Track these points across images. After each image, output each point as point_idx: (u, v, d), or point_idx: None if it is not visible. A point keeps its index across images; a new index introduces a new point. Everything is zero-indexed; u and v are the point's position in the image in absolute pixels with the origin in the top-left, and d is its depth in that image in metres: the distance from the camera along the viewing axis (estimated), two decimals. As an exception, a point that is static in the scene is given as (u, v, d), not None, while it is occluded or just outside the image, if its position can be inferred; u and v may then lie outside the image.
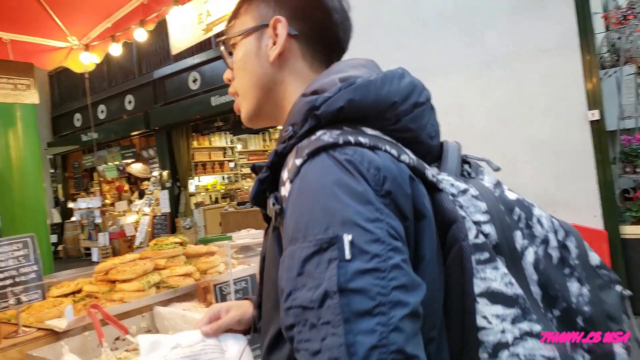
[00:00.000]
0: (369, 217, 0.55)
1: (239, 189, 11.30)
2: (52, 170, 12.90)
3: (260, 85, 0.79)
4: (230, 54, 0.83)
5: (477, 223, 0.64)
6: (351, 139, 0.61)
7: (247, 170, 12.03)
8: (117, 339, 1.74)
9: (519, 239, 0.66)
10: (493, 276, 0.61)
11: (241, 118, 0.84)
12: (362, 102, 0.65)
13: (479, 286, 0.60)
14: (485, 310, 0.59)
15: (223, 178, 12.03)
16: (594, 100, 3.66)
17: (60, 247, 11.23)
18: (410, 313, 0.52)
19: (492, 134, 3.86)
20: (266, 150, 12.44)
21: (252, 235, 2.75)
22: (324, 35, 0.80)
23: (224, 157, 11.99)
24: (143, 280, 1.97)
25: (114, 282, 1.99)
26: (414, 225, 0.60)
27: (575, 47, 3.68)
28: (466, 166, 0.75)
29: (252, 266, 2.38)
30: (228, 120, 10.19)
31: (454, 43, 4.09)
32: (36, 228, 5.71)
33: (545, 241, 0.68)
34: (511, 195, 0.71)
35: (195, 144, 11.06)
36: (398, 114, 0.66)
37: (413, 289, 0.54)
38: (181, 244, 2.31)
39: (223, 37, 0.84)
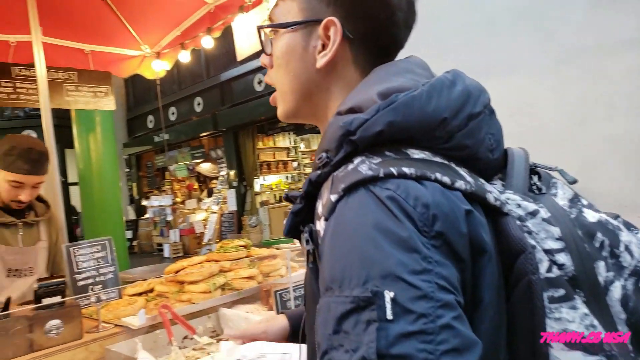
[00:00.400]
0: (414, 269, 0.47)
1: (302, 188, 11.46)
2: (127, 170, 13.71)
3: (301, 91, 0.72)
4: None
5: (548, 252, 0.54)
6: (393, 170, 0.53)
7: (310, 170, 12.15)
8: (185, 337, 1.82)
9: (602, 271, 0.55)
10: (570, 317, 0.52)
11: (277, 113, 0.77)
12: (405, 122, 0.56)
13: (553, 328, 0.51)
14: (562, 356, 0.51)
15: (287, 177, 12.24)
16: None
17: (134, 243, 11.90)
18: None
19: (568, 134, 3.64)
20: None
21: (314, 238, 2.77)
22: (383, 38, 0.69)
23: (288, 156, 12.19)
24: (209, 282, 2.04)
25: (182, 283, 2.08)
26: (472, 264, 0.52)
27: None
28: (535, 178, 0.64)
29: (314, 270, 2.40)
30: (291, 121, 10.34)
31: (525, 40, 3.89)
32: (113, 225, 6.14)
33: (636, 273, 0.57)
34: (591, 217, 0.59)
35: (260, 144, 11.32)
36: (450, 130, 0.58)
37: (467, 351, 0.46)
38: (245, 246, 2.38)
39: (266, 24, 0.74)
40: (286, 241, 2.73)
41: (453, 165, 0.58)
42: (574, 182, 0.65)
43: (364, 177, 0.53)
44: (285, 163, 12.07)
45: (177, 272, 2.13)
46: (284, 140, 12.07)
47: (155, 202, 11.40)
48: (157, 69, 4.05)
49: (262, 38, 0.74)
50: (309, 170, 12.16)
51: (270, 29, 0.73)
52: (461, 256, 0.51)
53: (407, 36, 0.72)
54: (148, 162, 13.68)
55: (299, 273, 2.33)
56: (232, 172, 10.74)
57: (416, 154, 0.57)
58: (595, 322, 0.52)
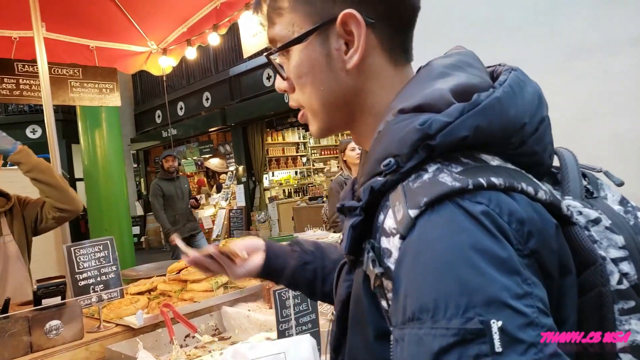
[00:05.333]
0: (517, 293, 0.42)
1: (311, 183, 11.46)
2: (135, 165, 13.75)
3: (335, 102, 0.64)
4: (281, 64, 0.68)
5: (614, 261, 0.51)
6: (482, 181, 0.47)
7: (319, 165, 12.15)
8: (187, 336, 1.82)
9: None
10: (639, 328, 0.49)
11: (311, 132, 0.70)
12: (490, 128, 0.51)
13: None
14: None
15: (296, 173, 12.24)
16: None
17: (142, 239, 11.96)
18: None
19: (574, 131, 3.60)
20: (338, 145, 12.46)
21: (317, 236, 2.75)
22: (402, 7, 0.62)
23: (297, 152, 12.19)
24: (212, 281, 2.04)
25: (185, 281, 2.08)
26: (559, 281, 0.49)
27: None
28: (584, 181, 0.60)
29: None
30: (300, 116, 10.33)
31: (532, 36, 3.85)
32: (119, 221, 6.17)
33: None
34: None
35: (269, 139, 11.33)
36: (524, 135, 0.54)
37: None
38: (248, 245, 2.37)
39: (270, 51, 0.67)
40: (290, 238, 2.72)
41: (524, 173, 0.53)
42: (621, 184, 0.62)
43: (450, 189, 0.47)
44: (294, 158, 12.07)
45: (179, 270, 2.13)
46: (293, 136, 12.06)
47: (163, 197, 11.46)
48: (163, 65, 4.05)
49: (275, 67, 0.68)
50: (318, 165, 12.15)
51: (277, 52, 0.65)
52: (551, 273, 0.48)
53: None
54: (156, 157, 13.68)
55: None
56: (240, 168, 10.76)
57: (491, 160, 0.52)
58: None
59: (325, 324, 1.58)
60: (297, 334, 1.42)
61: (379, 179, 0.54)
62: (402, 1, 0.62)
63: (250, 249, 0.95)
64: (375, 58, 0.63)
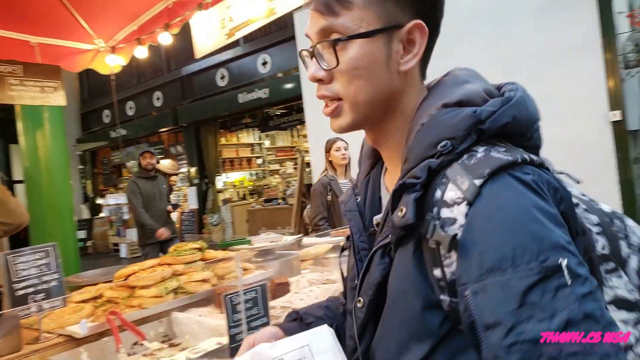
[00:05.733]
0: (568, 240, 0.55)
1: (266, 185, 11.37)
2: (82, 167, 13.21)
3: (382, 99, 0.71)
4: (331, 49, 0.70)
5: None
6: (526, 156, 0.60)
7: (275, 167, 12.09)
8: (135, 343, 1.77)
9: (624, 248, 0.68)
10: (618, 284, 0.63)
11: (336, 125, 0.74)
12: (520, 119, 0.64)
13: (608, 294, 0.62)
14: (614, 316, 0.58)
15: (251, 174, 12.12)
16: (616, 100, 3.70)
17: (89, 243, 11.51)
18: (618, 331, 0.52)
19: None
20: (294, 146, 12.43)
21: (271, 239, 2.74)
22: (440, 20, 0.73)
23: (252, 153, 12.08)
24: (161, 286, 1.99)
25: (133, 288, 2.01)
26: (574, 240, 0.60)
27: (598, 47, 3.69)
28: None
29: (269, 271, 2.38)
30: (256, 117, 10.26)
31: (479, 43, 4.00)
32: (63, 225, 5.89)
33: None
34: (606, 208, 0.72)
35: (223, 140, 11.18)
36: (534, 130, 0.68)
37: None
38: (200, 249, 2.33)
39: (336, 36, 0.69)
40: (243, 242, 2.70)
41: None
42: (579, 182, 0.73)
43: (506, 162, 0.58)
44: (249, 160, 11.95)
45: (127, 276, 2.06)
46: (247, 137, 11.94)
47: (111, 200, 11.03)
48: (111, 64, 3.93)
49: (319, 50, 0.71)
50: (274, 167, 12.08)
51: (336, 37, 0.68)
52: (574, 235, 0.60)
53: None
54: (104, 158, 13.23)
55: (254, 275, 2.31)
56: (193, 169, 10.55)
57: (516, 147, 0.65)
58: (633, 287, 0.64)
59: (278, 328, 1.58)
60: (248, 338, 1.42)
61: (433, 160, 0.62)
62: (441, 19, 0.73)
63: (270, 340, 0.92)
64: (416, 66, 0.72)
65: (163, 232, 5.22)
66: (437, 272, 0.60)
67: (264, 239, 2.76)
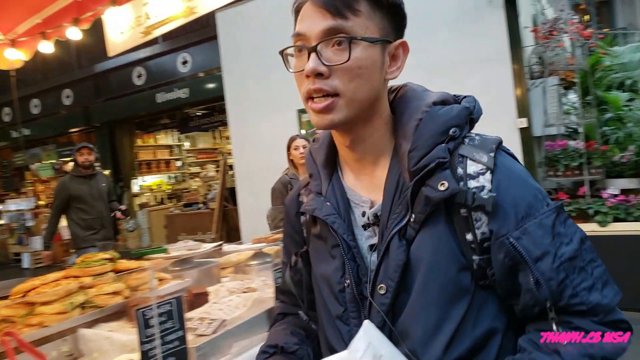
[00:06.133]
0: None
1: (186, 189, 11.00)
2: (-23, 170, 12.07)
3: (371, 100, 0.81)
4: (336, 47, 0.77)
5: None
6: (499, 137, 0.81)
7: (195, 170, 11.75)
8: (36, 366, 1.62)
9: None
10: None
11: (326, 120, 0.78)
12: (479, 114, 0.82)
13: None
14: None
15: (169, 177, 11.69)
16: (523, 108, 4.06)
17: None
18: None
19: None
20: (216, 149, 12.13)
21: (189, 247, 2.65)
22: None
23: (170, 155, 11.66)
24: (66, 301, 1.84)
25: (33, 304, 1.85)
26: None
27: (507, 59, 3.99)
28: None
29: (186, 280, 2.29)
30: (175, 118, 9.92)
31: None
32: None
33: None
34: None
35: (139, 141, 10.75)
36: (475, 123, 0.84)
37: None
38: (111, 259, 2.19)
39: (357, 36, 0.76)
40: (159, 251, 2.58)
41: None
42: None
43: (498, 141, 0.79)
44: (167, 162, 11.52)
45: (26, 292, 1.89)
46: (166, 138, 11.53)
47: (12, 206, 10.08)
48: (11, 58, 3.61)
49: (326, 46, 0.77)
50: (194, 170, 11.73)
51: (344, 36, 0.76)
52: None
53: None
54: (4, 160, 12.19)
55: (170, 285, 2.21)
56: (106, 172, 9.99)
57: None
58: None
59: (194, 340, 1.53)
60: (162, 353, 1.35)
61: (449, 145, 0.77)
62: None
63: None
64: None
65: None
66: (469, 236, 0.75)
67: (182, 247, 2.66)
